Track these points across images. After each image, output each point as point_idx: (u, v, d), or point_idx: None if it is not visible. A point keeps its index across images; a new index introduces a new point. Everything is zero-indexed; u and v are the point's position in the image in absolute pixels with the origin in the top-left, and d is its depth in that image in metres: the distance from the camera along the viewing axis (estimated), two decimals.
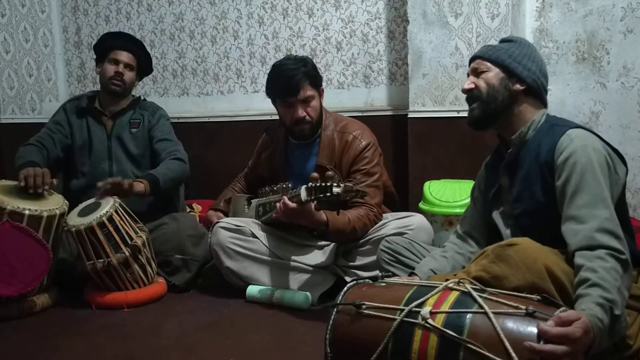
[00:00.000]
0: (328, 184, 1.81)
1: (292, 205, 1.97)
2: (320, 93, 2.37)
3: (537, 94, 1.59)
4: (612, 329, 1.21)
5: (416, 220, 2.24)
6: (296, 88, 2.24)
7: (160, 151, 2.66)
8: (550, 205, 1.48)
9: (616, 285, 1.24)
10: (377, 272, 1.69)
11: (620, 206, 1.47)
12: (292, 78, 2.24)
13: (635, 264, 1.39)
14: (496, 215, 1.67)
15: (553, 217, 1.46)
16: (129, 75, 2.72)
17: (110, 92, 2.72)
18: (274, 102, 2.37)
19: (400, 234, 2.13)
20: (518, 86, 1.58)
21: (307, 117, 2.29)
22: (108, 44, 2.75)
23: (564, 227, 1.40)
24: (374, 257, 2.08)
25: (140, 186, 2.39)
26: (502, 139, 1.66)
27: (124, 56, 2.71)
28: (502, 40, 1.66)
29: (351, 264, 2.29)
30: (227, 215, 2.57)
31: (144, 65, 2.84)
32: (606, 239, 1.32)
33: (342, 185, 1.80)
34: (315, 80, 2.31)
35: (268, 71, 2.38)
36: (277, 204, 2.04)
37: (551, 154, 1.48)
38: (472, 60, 1.67)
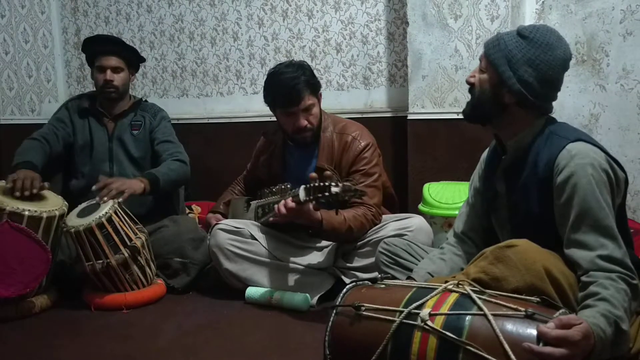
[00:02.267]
0: (326, 183, 1.82)
1: (292, 205, 1.97)
2: (319, 98, 2.35)
3: (530, 105, 1.49)
4: (615, 342, 1.20)
5: (415, 221, 2.24)
6: (298, 98, 2.21)
7: (162, 153, 2.65)
8: (546, 217, 1.46)
9: (624, 306, 1.24)
10: (376, 274, 1.69)
11: (619, 213, 1.45)
12: (293, 88, 2.20)
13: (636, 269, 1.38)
14: (494, 220, 1.66)
15: (548, 229, 1.45)
16: (119, 77, 2.68)
17: (107, 99, 2.71)
18: (273, 111, 2.35)
19: (400, 235, 2.12)
20: (508, 98, 1.50)
21: (309, 125, 2.28)
22: (92, 50, 2.73)
23: (570, 251, 1.38)
24: (373, 259, 2.07)
25: (139, 185, 2.39)
26: (498, 140, 1.62)
27: (110, 61, 2.67)
28: (519, 32, 1.49)
29: (350, 265, 2.28)
30: (226, 218, 2.57)
31: (133, 60, 2.79)
32: (616, 268, 1.30)
33: (340, 184, 1.80)
34: (315, 87, 2.28)
35: (267, 73, 2.35)
36: (276, 206, 2.04)
37: (549, 169, 1.44)
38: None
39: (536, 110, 1.52)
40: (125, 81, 2.73)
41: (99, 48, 2.71)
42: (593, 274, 1.30)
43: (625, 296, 1.26)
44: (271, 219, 2.16)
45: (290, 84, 2.21)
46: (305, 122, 2.27)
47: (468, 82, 1.59)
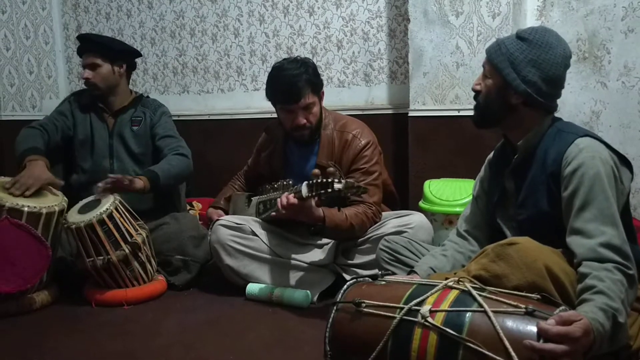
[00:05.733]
0: (329, 180, 1.82)
1: (294, 200, 1.97)
2: (321, 97, 2.34)
3: (537, 105, 1.53)
4: (613, 336, 1.21)
5: (416, 218, 2.23)
6: (298, 96, 2.20)
7: (163, 147, 2.64)
8: (554, 214, 1.47)
9: (621, 297, 1.24)
10: (376, 271, 1.69)
11: (624, 212, 1.46)
12: (295, 85, 2.19)
13: (637, 266, 1.38)
14: (500, 218, 1.66)
15: (556, 226, 1.46)
16: (97, 74, 2.65)
17: (92, 96, 2.71)
18: (273, 105, 2.35)
19: (400, 232, 2.13)
20: (515, 98, 1.52)
21: (307, 124, 2.27)
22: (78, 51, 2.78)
23: (570, 239, 1.39)
24: (373, 256, 2.08)
25: (139, 183, 2.38)
26: (508, 140, 1.64)
27: (86, 59, 2.67)
28: (518, 36, 1.53)
29: (350, 262, 2.28)
30: (227, 213, 2.57)
31: (112, 53, 2.70)
32: (613, 255, 1.31)
33: (343, 181, 1.80)
34: (316, 86, 2.27)
35: (269, 70, 2.35)
36: (278, 200, 2.04)
37: (558, 163, 1.46)
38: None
39: (542, 109, 1.55)
40: (106, 76, 2.67)
41: (79, 48, 2.75)
42: (588, 264, 1.31)
43: (621, 287, 1.26)
44: (274, 213, 2.16)
45: (292, 81, 2.20)
46: (304, 121, 2.26)
47: (474, 90, 1.62)
